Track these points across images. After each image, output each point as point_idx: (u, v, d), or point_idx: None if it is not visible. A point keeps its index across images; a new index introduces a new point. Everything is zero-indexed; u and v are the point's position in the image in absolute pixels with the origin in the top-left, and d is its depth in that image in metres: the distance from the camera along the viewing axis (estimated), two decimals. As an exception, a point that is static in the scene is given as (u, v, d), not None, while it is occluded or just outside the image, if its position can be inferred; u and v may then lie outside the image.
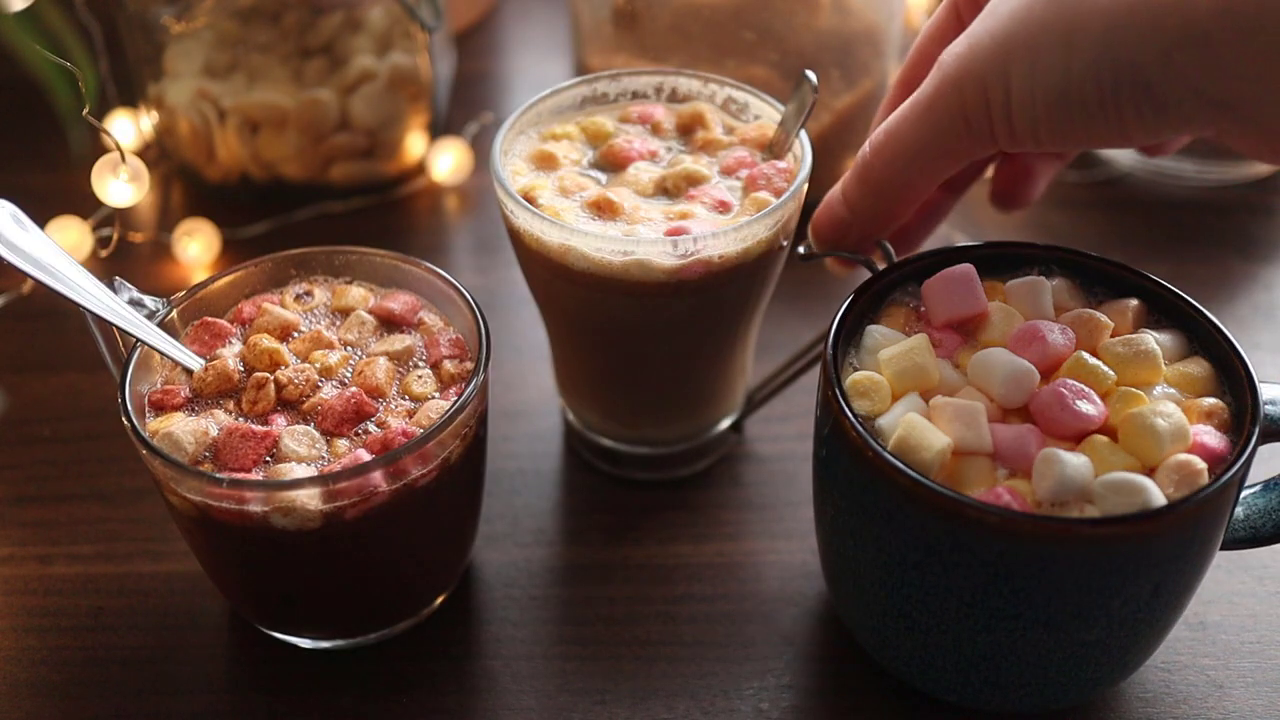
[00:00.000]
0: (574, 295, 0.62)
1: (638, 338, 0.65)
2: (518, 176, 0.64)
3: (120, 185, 0.81)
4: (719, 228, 0.59)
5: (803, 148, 0.64)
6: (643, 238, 0.59)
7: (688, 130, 0.68)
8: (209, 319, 0.62)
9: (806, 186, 0.63)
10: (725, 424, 0.73)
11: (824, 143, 0.85)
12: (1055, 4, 0.46)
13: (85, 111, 0.74)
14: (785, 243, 0.63)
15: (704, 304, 0.62)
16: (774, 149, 0.66)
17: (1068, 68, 0.47)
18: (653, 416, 0.70)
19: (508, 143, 0.65)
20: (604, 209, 0.62)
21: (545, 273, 0.62)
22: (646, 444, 0.72)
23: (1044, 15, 0.46)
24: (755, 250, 0.61)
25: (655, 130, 0.68)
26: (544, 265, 0.62)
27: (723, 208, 0.62)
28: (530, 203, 0.61)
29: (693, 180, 0.64)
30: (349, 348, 0.61)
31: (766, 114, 0.68)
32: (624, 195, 0.63)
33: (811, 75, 0.62)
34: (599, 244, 0.59)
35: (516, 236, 0.63)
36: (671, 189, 0.64)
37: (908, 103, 0.54)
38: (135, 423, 0.55)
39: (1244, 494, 0.56)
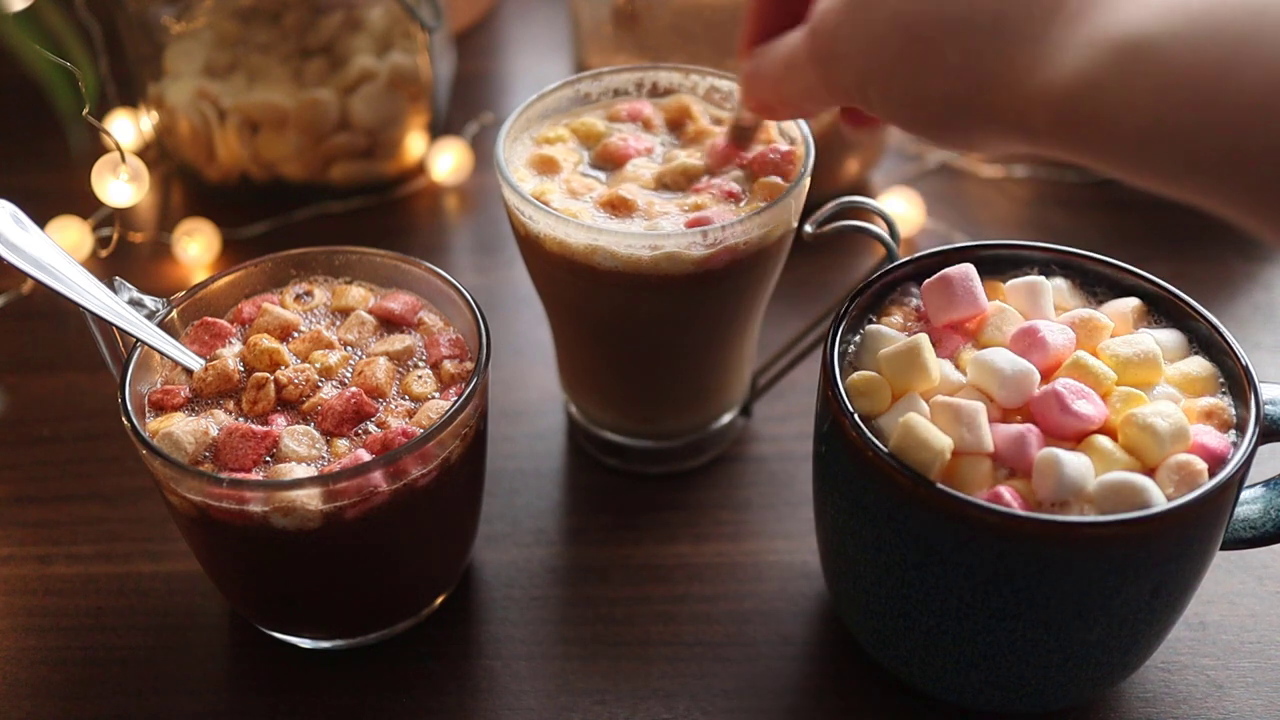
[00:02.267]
0: (596, 294, 0.63)
1: (658, 330, 0.65)
2: (522, 182, 0.65)
3: (120, 185, 0.81)
4: (742, 215, 0.60)
5: (802, 133, 0.65)
6: (669, 231, 0.60)
7: (677, 124, 0.68)
8: (209, 319, 0.62)
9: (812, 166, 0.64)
10: (729, 416, 0.73)
11: (824, 142, 0.85)
12: (903, 31, 0.45)
13: (85, 111, 0.74)
14: (795, 224, 0.65)
15: (726, 291, 0.63)
16: (737, 140, 0.65)
17: (919, 93, 0.46)
18: (664, 409, 0.71)
19: (506, 150, 0.66)
20: (618, 207, 0.62)
21: (566, 274, 0.62)
22: (654, 437, 0.72)
23: (897, 44, 0.46)
24: (775, 234, 0.62)
25: (646, 126, 0.68)
26: (565, 267, 0.62)
27: (731, 197, 0.63)
28: (544, 206, 0.62)
29: (690, 175, 0.64)
30: (349, 348, 0.61)
31: None
32: (633, 191, 0.63)
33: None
34: (628, 241, 0.59)
35: (535, 241, 0.62)
36: (670, 184, 0.64)
37: (785, 54, 0.52)
38: (135, 423, 0.55)
39: (1244, 494, 0.56)
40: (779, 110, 0.56)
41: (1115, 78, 0.38)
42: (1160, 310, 0.59)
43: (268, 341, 0.60)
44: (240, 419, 0.57)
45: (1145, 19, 0.37)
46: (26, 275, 0.56)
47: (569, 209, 0.62)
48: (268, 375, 0.58)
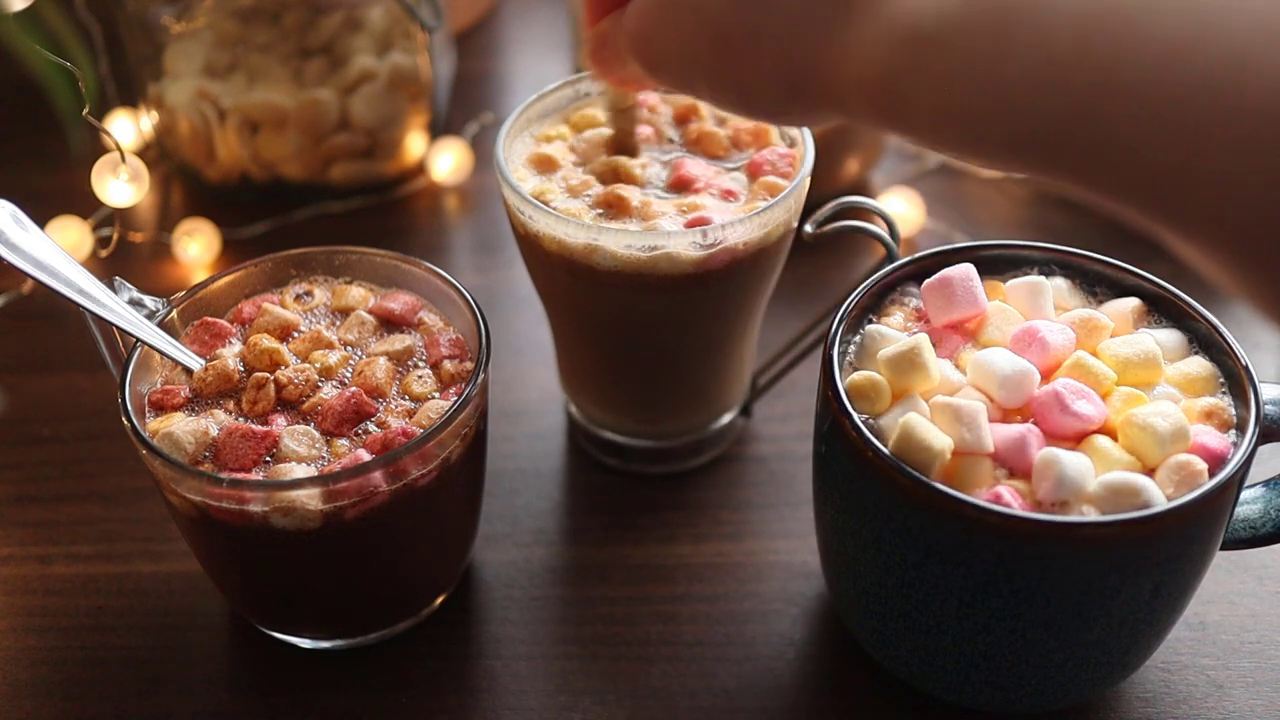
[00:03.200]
0: (595, 294, 0.63)
1: (657, 330, 0.65)
2: (521, 181, 0.65)
3: (120, 185, 0.81)
4: (740, 215, 0.60)
5: (801, 133, 0.65)
6: (668, 231, 0.60)
7: (683, 120, 0.68)
8: (209, 319, 0.62)
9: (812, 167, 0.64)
10: (729, 416, 0.73)
11: (824, 142, 0.85)
12: (713, 33, 0.46)
13: (85, 111, 0.74)
14: (795, 224, 0.65)
15: (725, 291, 0.63)
16: (626, 150, 0.65)
17: (745, 88, 0.47)
18: (664, 409, 0.71)
19: (505, 150, 0.66)
20: (614, 205, 0.62)
21: (564, 274, 0.62)
22: (654, 437, 0.72)
23: (710, 46, 0.47)
24: (775, 234, 0.62)
25: (651, 110, 0.68)
26: (564, 267, 0.62)
27: (729, 196, 0.63)
28: (543, 206, 0.62)
29: (617, 171, 0.65)
30: (349, 348, 0.61)
31: None
32: (631, 190, 0.63)
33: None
34: (627, 240, 0.59)
35: (534, 241, 0.63)
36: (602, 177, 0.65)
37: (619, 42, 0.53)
38: (135, 423, 0.55)
39: (1244, 494, 0.56)
40: (635, 85, 0.57)
41: (909, 66, 0.40)
42: (1160, 310, 0.59)
43: (268, 341, 0.60)
44: (240, 419, 0.57)
45: (928, 9, 0.39)
46: (26, 275, 0.56)
47: (568, 208, 0.62)
48: (268, 375, 0.58)
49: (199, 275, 0.88)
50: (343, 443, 0.56)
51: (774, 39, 0.44)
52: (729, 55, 0.46)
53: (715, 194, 0.63)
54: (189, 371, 0.59)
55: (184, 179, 0.96)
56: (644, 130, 0.67)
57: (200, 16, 0.89)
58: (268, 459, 0.56)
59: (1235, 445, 0.52)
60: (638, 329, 0.66)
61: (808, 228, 0.62)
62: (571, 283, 0.63)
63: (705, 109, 0.69)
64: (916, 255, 0.60)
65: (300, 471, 0.54)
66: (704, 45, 0.46)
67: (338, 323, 0.63)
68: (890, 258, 0.63)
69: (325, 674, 0.62)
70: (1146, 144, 0.35)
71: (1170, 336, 0.57)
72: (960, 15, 0.38)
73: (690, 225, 0.61)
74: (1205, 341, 0.57)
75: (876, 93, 0.41)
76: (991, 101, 0.38)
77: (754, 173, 0.65)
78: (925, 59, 0.39)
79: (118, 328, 0.58)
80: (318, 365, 0.59)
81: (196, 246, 0.87)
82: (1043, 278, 0.58)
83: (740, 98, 0.47)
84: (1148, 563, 0.49)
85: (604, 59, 0.55)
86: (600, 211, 0.62)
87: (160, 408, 0.58)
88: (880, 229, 0.63)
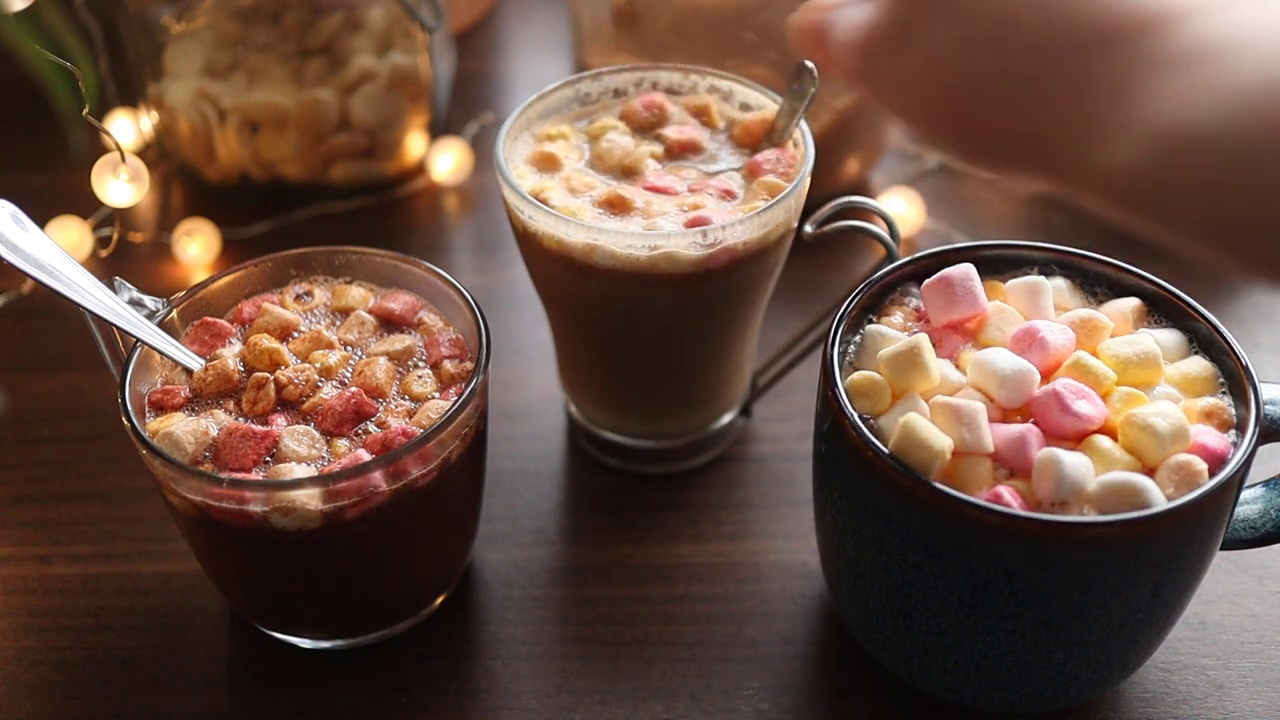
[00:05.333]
0: (594, 293, 0.63)
1: (657, 330, 0.65)
2: (521, 180, 0.65)
3: (120, 185, 0.81)
4: (740, 215, 0.60)
5: (802, 132, 0.65)
6: (668, 230, 0.60)
7: (698, 114, 0.69)
8: (209, 319, 0.62)
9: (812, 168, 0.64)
10: (729, 416, 0.73)
11: (824, 142, 0.85)
12: (952, 92, 0.44)
13: (85, 111, 0.74)
14: (795, 224, 0.65)
15: (725, 291, 0.63)
16: (774, 137, 0.66)
17: (972, 141, 0.45)
18: (664, 409, 0.71)
19: (506, 149, 0.66)
20: (616, 205, 0.62)
21: (564, 273, 0.62)
22: (654, 437, 0.72)
23: (947, 102, 0.45)
24: (775, 234, 0.62)
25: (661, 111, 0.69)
26: (564, 265, 0.62)
27: (728, 196, 0.63)
28: (542, 205, 0.62)
29: (637, 167, 0.65)
30: (349, 348, 0.61)
31: (755, 101, 0.69)
32: (632, 190, 0.63)
33: (811, 64, 0.62)
34: (627, 241, 0.59)
35: (533, 239, 0.63)
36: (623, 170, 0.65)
37: (847, 59, 0.51)
38: (135, 423, 0.55)
39: (1244, 494, 0.56)
40: (835, 70, 0.55)
41: (1175, 171, 0.37)
42: (1160, 310, 0.59)
43: (268, 341, 0.60)
44: (240, 419, 0.57)
45: (1200, 110, 0.36)
46: (26, 275, 0.56)
47: (568, 207, 0.62)
48: (268, 375, 0.58)
49: (199, 275, 0.88)
50: (343, 443, 0.56)
51: (1019, 107, 0.42)
52: (965, 111, 0.44)
53: (715, 194, 0.63)
54: (189, 371, 0.59)
55: (184, 179, 0.96)
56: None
57: (200, 16, 0.89)
58: (268, 459, 0.56)
59: (1235, 445, 0.52)
60: (637, 328, 0.66)
61: (808, 228, 0.62)
62: (571, 282, 0.63)
63: (715, 111, 0.69)
64: (916, 255, 0.60)
65: (300, 471, 0.54)
66: (942, 100, 0.44)
67: (338, 323, 0.63)
68: (890, 258, 0.63)
69: (325, 674, 0.62)
70: None
71: (1170, 336, 0.57)
72: (1242, 115, 0.36)
73: (690, 225, 0.61)
74: (1205, 341, 0.57)
75: (1129, 189, 0.40)
76: (1271, 210, 0.35)
77: (754, 173, 0.65)
78: (1196, 162, 0.37)
79: (118, 328, 0.58)
80: (318, 365, 0.59)
81: (196, 246, 0.87)
82: (1043, 278, 0.58)
83: (964, 147, 0.45)
84: (1148, 563, 0.49)
85: (812, 41, 0.52)
86: (602, 211, 0.63)
87: (160, 408, 0.58)
88: (880, 229, 0.63)
